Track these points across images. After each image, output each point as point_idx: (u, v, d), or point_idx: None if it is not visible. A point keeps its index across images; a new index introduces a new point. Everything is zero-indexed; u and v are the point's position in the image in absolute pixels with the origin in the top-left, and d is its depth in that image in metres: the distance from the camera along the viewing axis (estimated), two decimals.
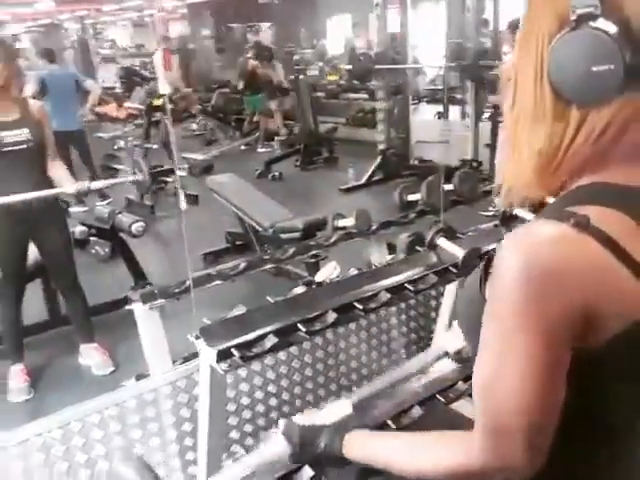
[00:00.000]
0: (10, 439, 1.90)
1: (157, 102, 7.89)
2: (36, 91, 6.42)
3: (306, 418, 1.11)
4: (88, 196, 6.38)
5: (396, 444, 0.98)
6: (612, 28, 0.69)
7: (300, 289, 2.32)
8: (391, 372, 2.28)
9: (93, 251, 4.98)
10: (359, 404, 1.97)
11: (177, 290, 2.40)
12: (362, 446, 1.02)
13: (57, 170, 3.27)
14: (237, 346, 1.89)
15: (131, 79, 11.89)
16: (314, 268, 4.11)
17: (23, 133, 3.07)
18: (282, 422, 1.11)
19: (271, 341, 1.93)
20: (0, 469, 1.90)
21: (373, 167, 7.15)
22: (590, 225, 0.73)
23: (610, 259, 0.74)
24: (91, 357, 3.49)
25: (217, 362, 1.89)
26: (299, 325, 1.99)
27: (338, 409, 1.14)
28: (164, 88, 10.25)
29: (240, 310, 2.15)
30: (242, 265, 2.59)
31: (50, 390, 3.31)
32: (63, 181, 3.25)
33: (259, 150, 9.51)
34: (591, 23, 0.70)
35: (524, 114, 0.79)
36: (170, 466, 2.27)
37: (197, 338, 1.99)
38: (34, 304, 3.76)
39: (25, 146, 3.07)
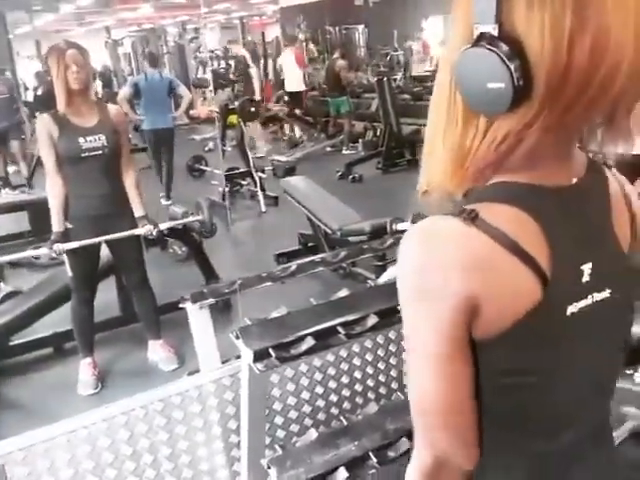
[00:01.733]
0: (56, 430, 1.99)
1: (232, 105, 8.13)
2: (130, 94, 7.07)
3: None
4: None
5: None
6: (505, 49, 0.72)
7: (344, 292, 2.31)
8: None
9: (171, 250, 5.19)
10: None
11: (226, 290, 2.44)
12: None
13: (130, 180, 3.35)
14: (274, 347, 1.91)
15: (217, 82, 12.21)
16: (381, 271, 4.10)
17: (100, 139, 3.17)
18: None
19: (308, 343, 1.94)
20: (48, 458, 1.98)
21: None
22: (479, 219, 0.77)
23: (500, 252, 0.76)
24: (157, 353, 3.61)
25: (254, 362, 1.92)
26: (339, 328, 1.99)
27: None
28: (293, 86, 10.56)
29: (282, 311, 2.16)
30: (293, 267, 2.60)
31: (117, 384, 3.46)
32: (133, 202, 3.36)
33: (344, 152, 9.54)
34: (488, 42, 0.73)
35: (440, 117, 0.83)
36: (214, 463, 2.31)
37: (237, 338, 2.02)
38: (108, 301, 3.93)
39: (101, 152, 3.18)
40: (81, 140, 3.13)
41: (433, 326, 0.79)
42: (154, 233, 3.39)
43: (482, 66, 0.74)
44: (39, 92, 9.45)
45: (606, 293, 0.84)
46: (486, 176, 0.83)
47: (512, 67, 0.72)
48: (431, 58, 15.56)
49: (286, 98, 11.08)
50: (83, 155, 3.14)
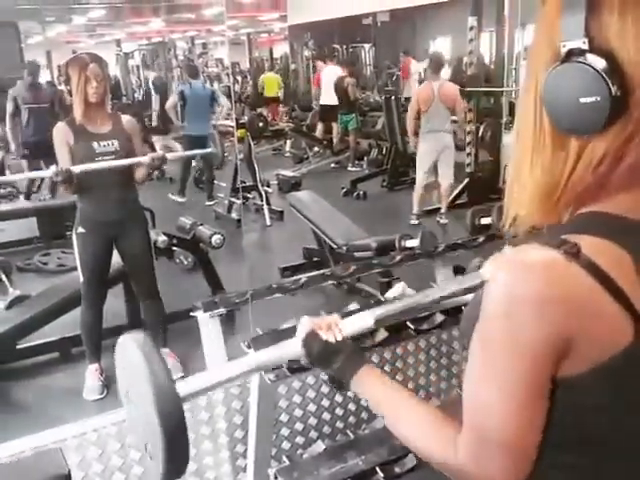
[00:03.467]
0: (67, 432, 2.01)
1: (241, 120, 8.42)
2: (176, 101, 7.70)
3: (326, 322, 1.05)
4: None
5: (397, 405, 0.97)
6: (599, 62, 0.71)
7: (354, 305, 2.35)
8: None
9: (177, 260, 5.22)
10: None
11: (237, 300, 2.48)
12: (368, 388, 1.01)
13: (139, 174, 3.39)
14: None
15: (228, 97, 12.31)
16: (386, 287, 4.13)
17: (113, 144, 3.25)
18: (303, 323, 1.07)
19: None
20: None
21: (458, 190, 7.05)
22: (581, 254, 0.74)
23: (598, 290, 0.74)
24: None
25: (265, 372, 1.95)
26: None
27: (360, 321, 1.12)
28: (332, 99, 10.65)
29: (293, 323, 2.19)
30: (302, 280, 2.65)
31: None
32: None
33: (349, 169, 9.59)
34: (579, 57, 0.73)
35: (526, 144, 0.81)
36: (220, 472, 2.32)
37: (249, 347, 2.05)
38: (115, 308, 3.96)
39: (114, 156, 3.24)
40: (95, 145, 3.20)
41: (523, 353, 0.77)
42: (166, 156, 3.43)
43: (574, 82, 0.73)
44: None
45: None
46: (583, 204, 0.80)
47: (607, 78, 0.70)
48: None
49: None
50: (97, 159, 3.20)
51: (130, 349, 0.93)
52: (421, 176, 6.57)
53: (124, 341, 0.96)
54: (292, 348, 1.08)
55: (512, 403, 0.78)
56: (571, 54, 0.73)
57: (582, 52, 0.72)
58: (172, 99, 8.00)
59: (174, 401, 0.89)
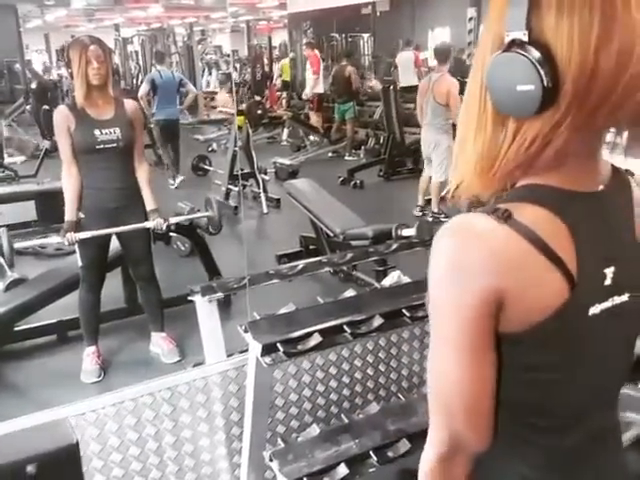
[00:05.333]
0: (64, 412, 2.03)
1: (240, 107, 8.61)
2: (149, 90, 7.88)
3: None
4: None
5: None
6: (535, 54, 0.77)
7: (350, 292, 2.38)
8: None
9: (175, 246, 5.25)
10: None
11: (235, 285, 2.51)
12: None
13: (143, 174, 3.42)
14: (282, 341, 1.97)
15: (227, 84, 12.33)
16: (382, 276, 4.16)
17: (115, 132, 3.24)
18: None
19: (316, 339, 1.99)
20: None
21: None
22: (511, 218, 0.81)
23: (531, 251, 0.80)
24: (159, 346, 3.66)
25: (262, 355, 1.97)
26: (345, 327, 2.05)
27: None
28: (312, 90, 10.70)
29: (290, 308, 2.22)
30: (299, 266, 2.67)
31: (119, 374, 3.51)
32: (145, 195, 3.43)
33: (346, 158, 9.62)
34: (519, 48, 0.79)
35: (471, 120, 0.88)
36: (215, 453, 2.36)
37: (246, 331, 2.08)
38: (113, 292, 3.98)
39: (115, 145, 3.23)
40: (97, 132, 3.19)
41: (462, 315, 0.83)
42: (164, 227, 3.45)
43: (513, 70, 0.79)
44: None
45: (625, 297, 0.88)
46: (515, 178, 0.88)
47: (541, 70, 0.76)
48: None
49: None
50: (98, 147, 3.19)
51: None
52: (425, 166, 6.54)
53: None
54: None
55: (463, 362, 0.85)
56: (512, 44, 0.79)
57: (522, 43, 0.78)
58: (144, 87, 8.06)
59: None
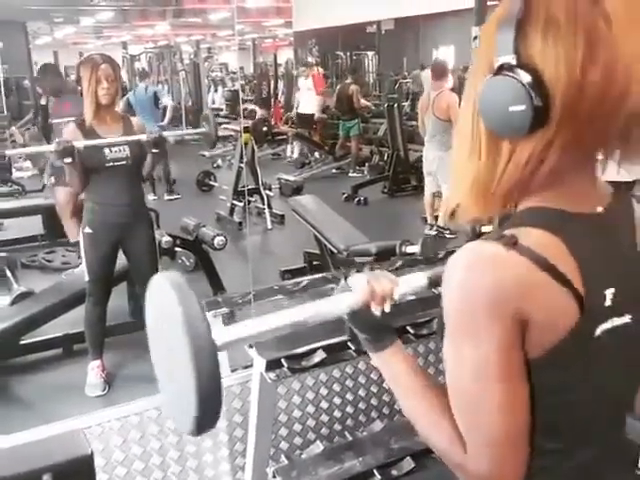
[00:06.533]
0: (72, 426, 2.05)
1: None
2: (124, 110, 7.52)
3: (381, 292, 1.03)
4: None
5: (415, 393, 0.99)
6: (525, 76, 0.80)
7: None
8: None
9: (180, 261, 5.27)
10: None
11: (240, 300, 2.52)
12: (389, 369, 1.04)
13: None
14: (287, 357, 1.98)
15: (234, 101, 12.40)
16: None
17: (124, 150, 3.27)
18: (358, 288, 1.05)
19: (320, 356, 2.00)
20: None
21: None
22: (518, 244, 0.82)
23: (539, 273, 0.82)
24: None
25: (266, 371, 1.98)
26: (349, 344, 2.06)
27: (414, 280, 1.14)
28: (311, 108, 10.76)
29: None
30: (303, 282, 2.69)
31: (124, 388, 3.51)
32: None
33: (350, 174, 9.66)
34: (509, 71, 0.81)
35: (465, 145, 0.90)
36: (219, 470, 2.36)
37: (250, 347, 2.09)
38: (118, 307, 3.99)
39: (124, 162, 3.26)
40: (106, 150, 3.22)
41: (493, 345, 0.83)
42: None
43: (504, 91, 0.81)
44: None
45: (626, 319, 0.89)
46: (511, 200, 0.90)
47: (530, 90, 0.79)
48: None
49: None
50: (107, 165, 3.22)
51: (165, 289, 0.92)
52: (426, 183, 6.55)
53: (158, 280, 0.95)
54: (334, 310, 1.07)
55: (490, 392, 0.84)
56: (502, 68, 0.82)
57: (511, 67, 0.81)
58: (120, 107, 8.02)
59: (210, 350, 0.88)
